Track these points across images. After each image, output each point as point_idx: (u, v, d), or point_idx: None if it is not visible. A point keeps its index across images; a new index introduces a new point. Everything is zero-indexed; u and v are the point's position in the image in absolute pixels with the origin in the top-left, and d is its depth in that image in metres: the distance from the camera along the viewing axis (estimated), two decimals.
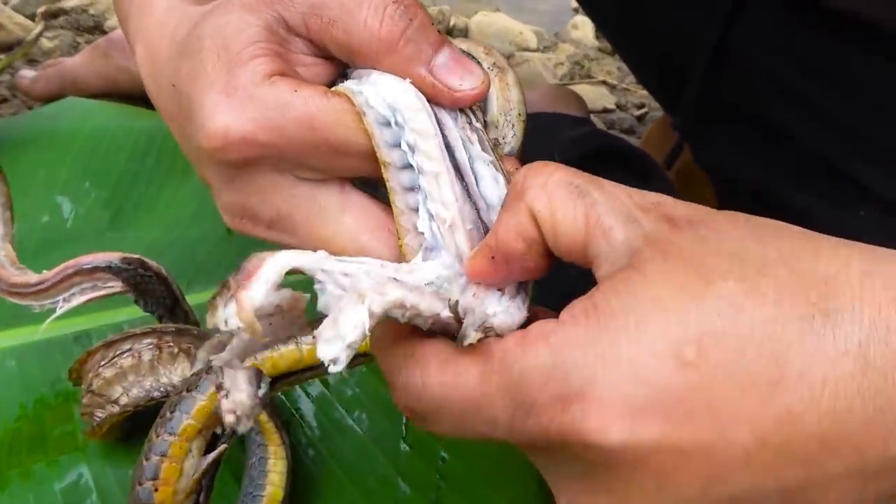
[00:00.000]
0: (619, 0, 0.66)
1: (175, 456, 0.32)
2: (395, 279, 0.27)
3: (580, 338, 0.23)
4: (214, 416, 0.33)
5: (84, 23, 1.17)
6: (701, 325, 0.22)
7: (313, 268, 0.27)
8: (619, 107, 1.21)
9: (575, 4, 1.48)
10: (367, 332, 0.25)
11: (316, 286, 0.27)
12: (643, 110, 1.20)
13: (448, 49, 0.30)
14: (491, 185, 0.31)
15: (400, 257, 0.30)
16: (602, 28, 0.77)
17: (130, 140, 0.80)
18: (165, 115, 0.34)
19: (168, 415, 0.33)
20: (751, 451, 0.22)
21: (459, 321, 0.26)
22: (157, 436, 0.33)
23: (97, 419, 0.49)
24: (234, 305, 0.25)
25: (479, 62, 0.34)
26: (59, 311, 0.52)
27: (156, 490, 0.31)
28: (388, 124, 0.30)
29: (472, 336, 0.26)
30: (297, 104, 0.29)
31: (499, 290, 0.29)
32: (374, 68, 0.30)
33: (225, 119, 0.29)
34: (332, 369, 0.24)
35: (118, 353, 0.49)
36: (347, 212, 0.30)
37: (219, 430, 0.34)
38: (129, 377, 0.49)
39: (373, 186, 0.32)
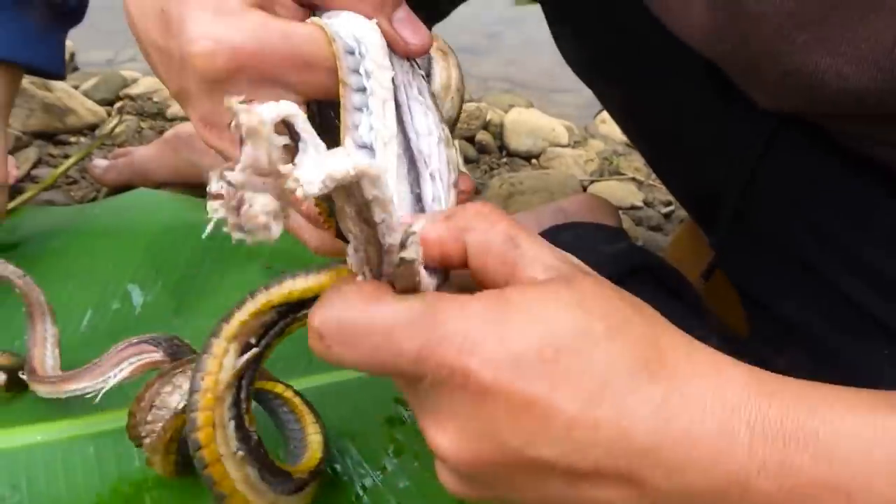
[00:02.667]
0: (656, 132, 0.72)
1: (216, 354, 0.41)
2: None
3: (484, 315, 0.30)
4: (249, 325, 0.40)
5: (148, 109, 1.26)
6: (564, 339, 0.30)
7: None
8: (647, 203, 1.26)
9: None
10: (351, 174, 0.26)
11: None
12: (670, 208, 1.25)
13: (405, 8, 0.38)
14: (421, 118, 0.37)
15: None
16: (639, 149, 0.83)
17: (195, 232, 0.85)
18: (149, 43, 0.40)
19: (218, 324, 0.42)
20: (572, 421, 0.29)
21: (403, 246, 0.30)
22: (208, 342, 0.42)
23: (146, 440, 0.53)
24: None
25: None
26: (112, 382, 0.58)
27: (202, 379, 0.41)
28: (353, 53, 0.36)
29: (412, 251, 0.30)
30: (279, 24, 0.36)
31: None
32: (346, 10, 0.37)
33: (217, 31, 0.35)
34: (299, 192, 0.25)
35: (164, 385, 0.53)
36: None
37: (252, 340, 0.41)
38: (167, 386, 0.53)
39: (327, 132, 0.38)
